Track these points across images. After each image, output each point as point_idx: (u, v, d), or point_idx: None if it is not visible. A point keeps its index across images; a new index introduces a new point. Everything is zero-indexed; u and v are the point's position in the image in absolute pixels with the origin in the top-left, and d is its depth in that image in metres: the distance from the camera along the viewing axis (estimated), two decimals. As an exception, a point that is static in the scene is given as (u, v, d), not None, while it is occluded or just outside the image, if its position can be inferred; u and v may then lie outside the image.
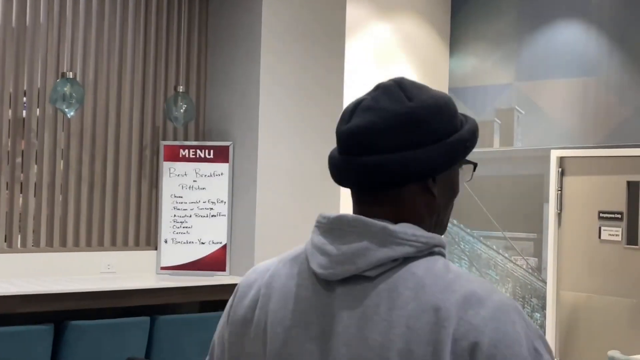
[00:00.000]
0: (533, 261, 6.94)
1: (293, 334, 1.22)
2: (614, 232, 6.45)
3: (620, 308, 6.38)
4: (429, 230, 1.26)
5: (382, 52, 7.11)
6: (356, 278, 1.21)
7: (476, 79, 7.25)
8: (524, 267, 6.99)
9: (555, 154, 6.76)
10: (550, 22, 6.77)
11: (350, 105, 1.33)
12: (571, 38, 6.64)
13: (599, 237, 6.55)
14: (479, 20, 7.25)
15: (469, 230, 7.42)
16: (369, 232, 1.21)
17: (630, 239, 6.34)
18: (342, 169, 1.28)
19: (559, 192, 6.79)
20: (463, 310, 1.15)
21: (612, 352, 4.43)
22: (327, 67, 5.78)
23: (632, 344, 6.22)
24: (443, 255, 1.26)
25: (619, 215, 6.43)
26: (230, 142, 5.56)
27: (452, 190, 1.30)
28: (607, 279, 6.48)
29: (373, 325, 1.17)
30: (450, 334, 1.14)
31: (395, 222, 1.23)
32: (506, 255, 7.13)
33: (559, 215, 6.81)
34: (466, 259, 7.44)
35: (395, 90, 1.28)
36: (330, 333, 1.20)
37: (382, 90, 1.30)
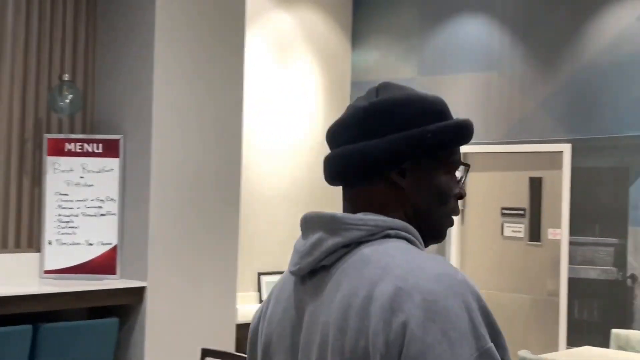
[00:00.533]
0: (436, 259, 6.82)
1: (275, 332, 1.29)
2: (517, 229, 6.40)
3: (523, 304, 6.34)
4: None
5: (283, 44, 6.86)
6: (320, 269, 1.25)
7: (379, 73, 7.09)
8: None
9: (458, 150, 6.67)
10: (454, 16, 6.67)
11: None
12: (474, 32, 6.56)
13: (502, 233, 6.49)
14: (382, 13, 7.09)
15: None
16: (321, 223, 1.25)
17: (533, 235, 6.31)
18: (323, 166, 1.33)
19: (462, 188, 6.71)
20: (397, 287, 1.15)
21: (523, 352, 4.32)
22: (226, 57, 5.47)
23: (535, 339, 6.19)
24: (404, 238, 1.24)
25: (522, 212, 6.40)
26: (121, 136, 5.19)
27: (432, 188, 1.28)
28: (510, 276, 6.44)
29: (323, 308, 1.22)
30: (379, 308, 1.14)
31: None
32: (409, 253, 6.99)
33: (462, 212, 6.73)
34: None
35: (372, 90, 1.33)
36: (299, 326, 1.26)
37: (366, 91, 1.35)
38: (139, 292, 4.99)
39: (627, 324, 5.68)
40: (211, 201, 5.33)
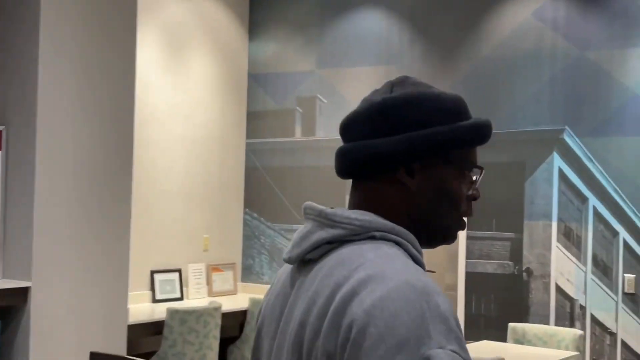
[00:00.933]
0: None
1: (267, 316, 1.30)
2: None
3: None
4: (407, 228, 1.24)
5: (178, 35, 6.61)
6: (309, 262, 1.25)
7: (277, 65, 6.94)
8: (326, 261, 6.77)
9: (356, 145, 6.61)
10: (353, 9, 6.60)
11: None
12: (374, 26, 6.50)
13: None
14: (280, 3, 6.95)
15: (269, 224, 7.11)
16: (313, 215, 1.25)
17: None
18: (334, 159, 1.32)
19: (361, 183, 6.65)
20: (354, 291, 1.13)
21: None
22: (117, 47, 5.20)
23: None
24: (392, 241, 1.21)
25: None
26: (3, 127, 4.84)
27: (441, 190, 1.25)
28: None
29: (298, 301, 1.23)
30: (333, 309, 1.13)
31: (368, 211, 1.24)
32: (307, 249, 6.88)
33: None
34: (266, 253, 7.13)
35: (388, 84, 1.30)
36: (281, 315, 1.27)
37: (383, 84, 1.32)
38: (22, 293, 4.67)
39: (523, 317, 5.75)
40: (101, 197, 5.05)
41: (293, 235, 1.28)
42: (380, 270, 1.14)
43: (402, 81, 1.29)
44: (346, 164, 1.27)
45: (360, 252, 1.18)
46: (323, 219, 1.22)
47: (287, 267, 1.33)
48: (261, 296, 6.57)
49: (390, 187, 1.24)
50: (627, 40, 5.46)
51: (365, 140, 1.24)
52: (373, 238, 1.20)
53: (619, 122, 5.47)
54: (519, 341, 5.27)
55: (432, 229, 1.27)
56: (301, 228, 1.27)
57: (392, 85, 1.29)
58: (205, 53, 6.83)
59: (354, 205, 1.27)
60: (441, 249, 6.23)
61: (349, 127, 1.29)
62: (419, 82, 1.29)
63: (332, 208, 1.25)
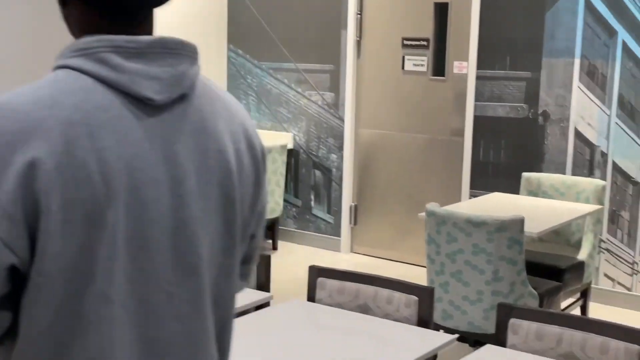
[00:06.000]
0: (329, 96, 6.13)
1: (137, 165, 1.11)
2: (419, 62, 5.73)
3: (424, 146, 5.78)
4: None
5: None
6: (181, 98, 1.18)
7: None
8: (319, 103, 6.17)
9: (354, -29, 5.84)
10: None
11: None
12: None
13: (403, 67, 5.81)
14: None
15: (256, 62, 6.44)
16: (185, 51, 1.18)
17: (436, 69, 5.66)
18: None
19: (359, 16, 5.92)
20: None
21: (430, 206, 3.74)
22: None
23: (438, 183, 5.69)
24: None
25: (425, 43, 5.70)
26: None
27: None
28: (411, 115, 5.83)
29: (207, 135, 1.19)
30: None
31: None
32: (299, 90, 6.26)
33: (359, 43, 5.97)
34: (254, 94, 6.50)
35: None
36: (173, 154, 1.15)
37: None
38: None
39: (537, 166, 5.22)
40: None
41: (144, 72, 1.12)
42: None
43: None
44: None
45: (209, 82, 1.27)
46: (195, 54, 1.19)
47: (109, 111, 1.11)
48: (249, 141, 6.01)
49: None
50: None
51: None
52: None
53: (659, -58, 4.70)
54: (533, 193, 4.76)
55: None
56: (160, 62, 1.15)
57: None
58: None
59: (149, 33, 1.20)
60: (447, 89, 5.60)
61: None
62: None
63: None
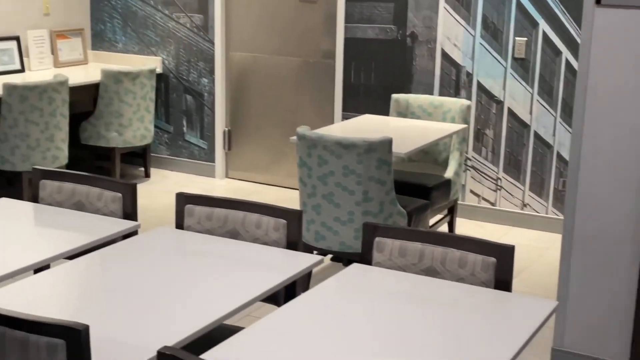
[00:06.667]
0: (198, 18, 5.97)
1: None
2: (289, -17, 5.63)
3: (295, 69, 5.76)
4: None
5: None
6: None
7: None
8: (188, 25, 6.01)
9: None
10: None
11: None
12: None
13: (272, -12, 5.71)
14: None
15: (120, -17, 6.18)
16: None
17: (306, -10, 5.59)
18: None
19: None
20: None
21: (301, 129, 3.75)
22: None
23: (310, 106, 5.70)
24: None
25: (294, -37, 5.61)
26: None
27: None
28: (281, 37, 5.77)
29: None
30: None
31: None
32: (166, 12, 6.07)
33: (227, -37, 5.82)
34: (119, 17, 6.26)
35: None
36: None
37: None
38: None
39: (407, 87, 5.30)
40: None
41: None
42: None
43: None
44: None
45: None
46: None
47: None
48: (115, 66, 5.81)
49: None
50: None
51: None
52: None
53: None
54: (402, 114, 4.84)
55: None
56: None
57: None
58: None
59: None
60: (317, 11, 5.57)
61: None
62: None
63: None
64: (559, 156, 4.99)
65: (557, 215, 5.01)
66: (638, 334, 3.09)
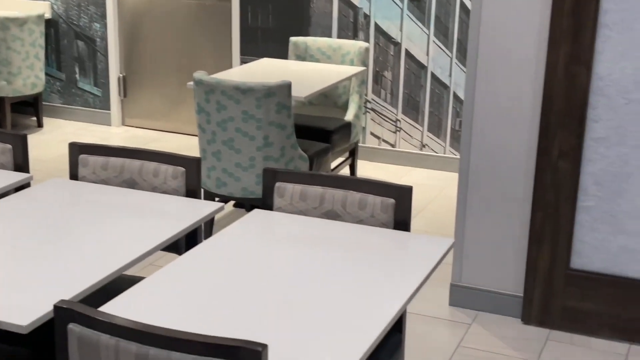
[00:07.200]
0: (87, -39, 5.73)
1: None
2: None
3: (191, 12, 5.62)
4: None
5: None
6: None
7: None
8: (77, -32, 5.76)
9: None
10: None
11: None
12: None
13: None
14: None
15: None
16: None
17: None
18: None
19: None
20: None
21: (198, 74, 3.67)
22: None
23: (207, 51, 5.59)
24: None
25: None
26: None
27: None
28: (176, -21, 5.60)
29: None
30: None
31: None
32: (53, -46, 5.79)
33: None
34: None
35: None
36: None
37: None
38: None
39: (305, 30, 5.25)
40: None
41: None
42: None
43: None
44: None
45: None
46: None
47: None
48: (1, 11, 5.53)
49: None
50: None
51: None
52: None
53: None
54: (301, 57, 4.81)
55: None
56: None
57: None
58: None
59: None
60: (212, -47, 5.42)
61: None
62: None
63: None
64: (456, 96, 5.08)
65: (455, 155, 5.12)
66: (531, 267, 3.21)
